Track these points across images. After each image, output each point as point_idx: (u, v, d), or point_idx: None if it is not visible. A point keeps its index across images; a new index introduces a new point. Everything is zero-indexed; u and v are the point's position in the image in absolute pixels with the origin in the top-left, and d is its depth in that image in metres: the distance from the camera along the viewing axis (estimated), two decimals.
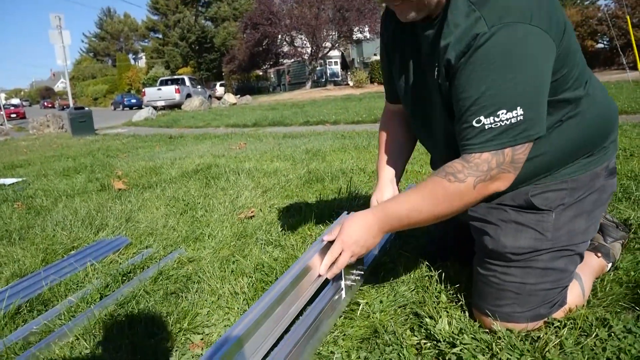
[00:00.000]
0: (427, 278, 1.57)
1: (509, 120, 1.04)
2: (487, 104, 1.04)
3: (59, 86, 75.64)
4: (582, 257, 1.29)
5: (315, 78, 34.39)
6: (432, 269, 1.60)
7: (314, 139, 5.65)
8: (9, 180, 4.33)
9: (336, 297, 1.39)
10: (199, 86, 26.91)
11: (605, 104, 1.31)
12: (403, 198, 1.23)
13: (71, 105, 13.28)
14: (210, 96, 26.31)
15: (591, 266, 1.44)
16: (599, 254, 1.50)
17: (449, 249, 1.69)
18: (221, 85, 37.56)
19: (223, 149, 5.62)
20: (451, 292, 1.47)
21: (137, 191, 3.35)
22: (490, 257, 1.27)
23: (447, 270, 1.59)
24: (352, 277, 1.45)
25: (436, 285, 1.51)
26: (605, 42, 24.21)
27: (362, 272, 1.49)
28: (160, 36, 49.96)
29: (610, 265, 1.52)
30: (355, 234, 1.27)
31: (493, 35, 1.02)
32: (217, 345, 0.95)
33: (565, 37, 1.10)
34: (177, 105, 21.72)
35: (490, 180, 1.11)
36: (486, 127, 1.06)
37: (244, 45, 33.72)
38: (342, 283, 1.40)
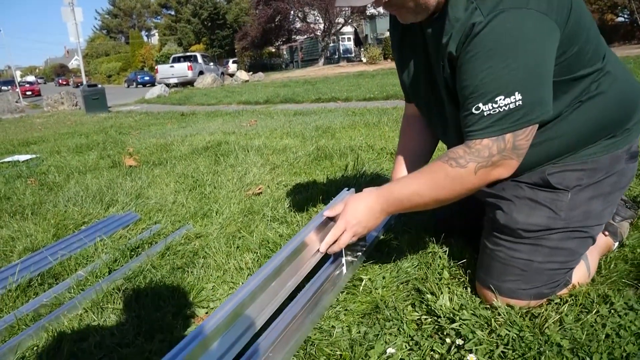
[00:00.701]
0: (430, 255, 1.57)
1: (508, 106, 1.04)
2: (484, 91, 1.04)
3: (73, 64, 76.01)
4: (594, 240, 1.27)
5: (328, 55, 34.07)
6: (436, 245, 1.60)
7: (324, 116, 5.62)
8: (23, 157, 4.40)
9: (337, 272, 1.40)
10: (212, 63, 26.82)
11: (628, 83, 1.27)
12: (406, 180, 1.25)
13: (84, 82, 13.34)
14: (222, 73, 26.23)
15: (598, 245, 1.42)
16: (606, 233, 1.48)
17: (455, 228, 1.69)
18: (234, 62, 37.38)
19: (234, 126, 5.62)
20: (454, 269, 1.47)
21: (148, 168, 3.38)
22: (500, 232, 1.27)
23: (451, 247, 1.58)
24: (354, 253, 1.46)
25: (439, 261, 1.51)
26: (625, 16, 23.53)
27: (364, 249, 1.50)
28: (173, 13, 49.71)
29: (617, 244, 1.51)
30: (359, 214, 1.28)
31: (489, 23, 1.01)
32: (212, 315, 0.96)
33: (572, 16, 1.07)
34: (189, 83, 21.73)
35: (491, 167, 1.10)
36: (485, 113, 1.06)
37: (256, 21, 33.44)
38: (343, 259, 1.41)
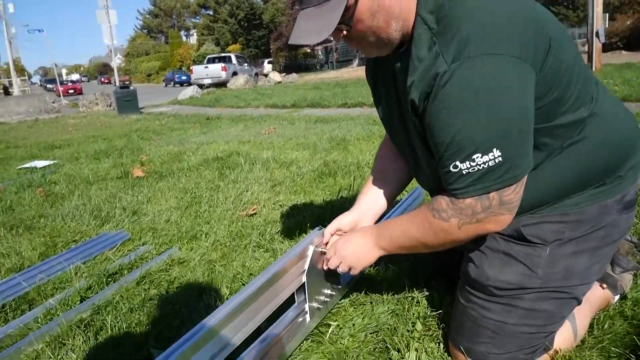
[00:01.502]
0: (409, 300, 1.45)
1: (487, 164, 0.92)
2: (459, 149, 0.93)
3: (115, 62, 78.30)
4: (579, 301, 1.13)
5: (362, 56, 33.80)
6: (416, 290, 1.48)
7: (344, 125, 5.51)
8: (41, 163, 4.47)
9: (300, 319, 1.31)
10: (246, 64, 27.04)
11: (621, 124, 1.11)
12: (396, 220, 1.19)
13: (117, 83, 13.64)
14: (256, 74, 26.41)
15: (591, 302, 1.27)
16: (604, 285, 1.33)
17: (440, 268, 1.56)
18: (269, 62, 37.62)
19: (252, 133, 5.58)
20: (430, 319, 1.35)
21: (153, 180, 3.36)
22: (472, 287, 1.15)
23: (432, 291, 1.46)
24: (322, 298, 1.36)
25: (415, 309, 1.39)
26: None
27: (334, 294, 1.39)
28: (211, 13, 50.46)
29: (617, 297, 1.35)
30: (352, 246, 1.25)
31: (454, 73, 0.89)
32: None
33: (550, 55, 0.94)
34: (223, 83, 21.95)
35: (478, 223, 1.00)
36: (464, 172, 0.95)
37: (291, 22, 33.51)
38: (307, 306, 1.31)
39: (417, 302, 1.43)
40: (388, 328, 1.34)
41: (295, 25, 0.99)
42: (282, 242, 2.03)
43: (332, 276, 1.39)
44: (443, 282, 1.50)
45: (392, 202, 1.42)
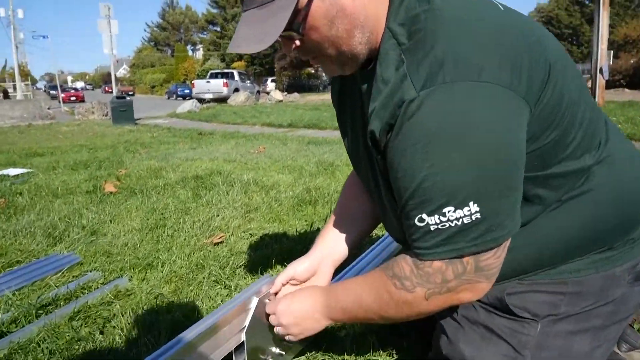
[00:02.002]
0: None
1: (461, 220, 0.72)
2: (426, 199, 0.73)
3: (121, 72, 78.71)
4: None
5: None
6: (381, 350, 1.26)
7: (336, 148, 5.32)
8: (14, 171, 4.26)
9: None
10: (248, 81, 27.06)
11: (636, 172, 0.90)
12: (351, 285, 0.96)
13: (114, 92, 13.53)
14: (258, 91, 26.39)
15: None
16: None
17: (414, 323, 1.34)
18: (272, 81, 37.69)
19: (241, 151, 5.39)
20: None
21: (123, 197, 3.14)
22: None
23: (402, 354, 1.24)
24: (268, 358, 1.14)
25: None
26: None
27: (283, 353, 1.17)
28: (218, 29, 50.88)
29: None
30: (296, 314, 1.03)
31: (423, 103, 0.69)
32: None
33: (549, 86, 0.74)
34: (224, 99, 21.88)
35: (449, 293, 0.79)
36: (432, 227, 0.74)
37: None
38: None
39: None
40: None
41: (236, 30, 0.79)
42: (245, 278, 1.82)
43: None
44: (418, 344, 1.28)
45: (356, 247, 1.21)
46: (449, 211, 0.72)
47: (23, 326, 1.54)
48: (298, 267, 1.13)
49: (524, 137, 0.73)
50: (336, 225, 1.19)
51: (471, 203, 0.71)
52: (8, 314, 1.59)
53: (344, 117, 1.06)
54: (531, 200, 0.80)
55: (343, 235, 1.17)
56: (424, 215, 0.74)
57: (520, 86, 0.71)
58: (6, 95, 23.36)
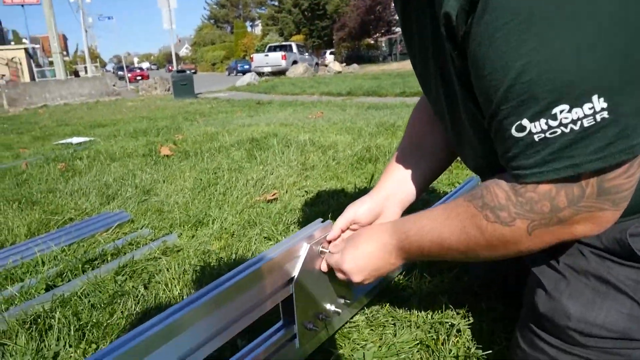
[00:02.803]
0: (445, 327, 1.04)
1: (578, 124, 0.50)
2: (527, 98, 0.51)
3: (183, 51, 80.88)
4: None
5: None
6: (456, 312, 1.07)
7: (397, 111, 5.05)
8: (77, 139, 4.34)
9: (286, 344, 0.93)
10: (306, 53, 26.85)
11: None
12: (429, 222, 0.74)
13: (175, 68, 13.77)
14: (317, 63, 26.13)
15: None
16: None
17: (496, 282, 1.13)
18: (331, 53, 37.23)
19: (299, 117, 5.24)
20: None
21: (178, 159, 3.08)
22: (540, 327, 0.73)
23: (480, 318, 1.04)
24: (321, 315, 0.97)
25: (454, 342, 0.98)
26: None
27: (339, 310, 1.00)
28: (276, 3, 50.73)
29: None
30: (362, 259, 0.85)
31: None
32: None
33: None
34: (283, 72, 21.83)
35: (560, 225, 0.58)
36: (536, 138, 0.53)
37: (355, 12, 32.97)
38: (295, 327, 0.93)
39: (458, 331, 1.01)
40: None
41: None
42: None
43: (339, 284, 1.00)
44: (499, 305, 1.07)
45: (427, 185, 1.01)
46: (561, 111, 0.50)
47: (69, 280, 1.47)
48: (359, 209, 0.94)
49: None
50: (402, 159, 0.99)
51: (595, 97, 0.49)
52: (55, 269, 1.52)
53: (410, 37, 0.84)
54: None
55: (410, 172, 0.97)
56: (525, 122, 0.53)
57: None
58: (77, 77, 24.63)
